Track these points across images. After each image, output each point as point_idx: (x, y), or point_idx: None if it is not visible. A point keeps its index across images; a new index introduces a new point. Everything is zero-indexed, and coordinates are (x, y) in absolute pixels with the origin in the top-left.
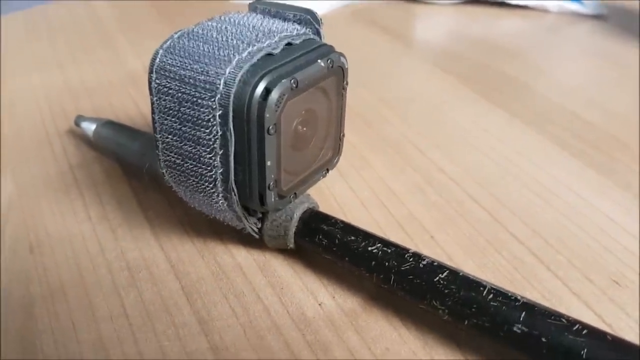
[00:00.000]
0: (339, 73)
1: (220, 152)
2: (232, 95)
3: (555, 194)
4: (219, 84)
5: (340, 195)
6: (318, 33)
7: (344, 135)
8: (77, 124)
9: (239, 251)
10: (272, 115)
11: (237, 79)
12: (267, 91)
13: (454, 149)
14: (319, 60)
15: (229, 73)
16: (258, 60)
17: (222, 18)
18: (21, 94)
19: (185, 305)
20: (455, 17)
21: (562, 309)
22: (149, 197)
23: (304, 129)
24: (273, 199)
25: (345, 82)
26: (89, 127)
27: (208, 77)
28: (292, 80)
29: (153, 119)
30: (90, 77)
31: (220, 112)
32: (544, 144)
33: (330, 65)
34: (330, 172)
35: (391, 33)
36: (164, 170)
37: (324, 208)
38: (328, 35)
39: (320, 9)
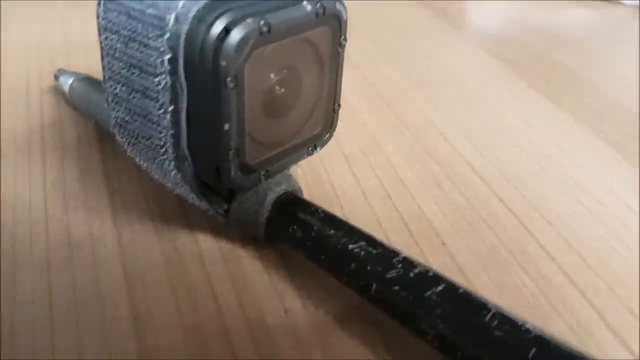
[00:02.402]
0: (334, 24)
1: (170, 109)
2: (183, 35)
3: (602, 203)
4: (169, 20)
5: (339, 181)
6: None
7: (339, 106)
8: (56, 78)
9: (205, 236)
10: (230, 63)
11: (191, 14)
12: (227, 32)
13: (486, 140)
14: (304, 2)
15: (182, 7)
16: None
17: None
18: (12, 46)
19: (123, 296)
20: (515, 1)
21: (592, 347)
22: (118, 164)
23: (282, 90)
24: (234, 173)
25: (342, 38)
26: (66, 82)
27: (157, 11)
28: (261, 22)
29: (102, 65)
30: (93, 33)
31: (169, 56)
32: (596, 144)
33: (321, 11)
34: (320, 150)
35: (440, 13)
36: (115, 130)
37: (317, 194)
38: (367, 9)
39: None
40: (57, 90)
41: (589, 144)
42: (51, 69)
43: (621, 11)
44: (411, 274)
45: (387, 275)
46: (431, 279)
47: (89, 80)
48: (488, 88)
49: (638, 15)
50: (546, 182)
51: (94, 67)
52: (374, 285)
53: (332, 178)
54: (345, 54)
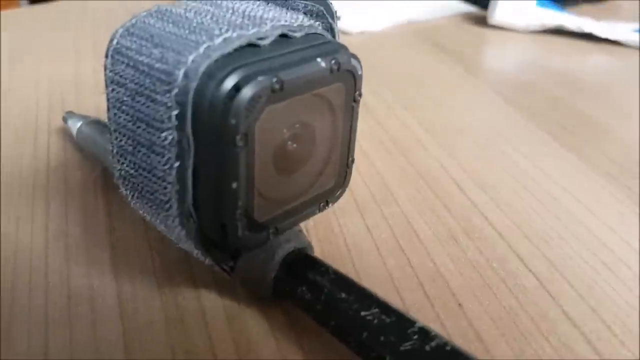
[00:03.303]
0: (349, 80)
1: (176, 165)
2: (191, 91)
3: (629, 266)
4: (178, 76)
5: (352, 233)
6: (331, 30)
7: (353, 161)
8: (65, 120)
9: (209, 293)
10: (240, 121)
11: (201, 69)
12: (237, 89)
13: (505, 193)
14: (318, 59)
15: (192, 62)
16: (235, 49)
17: (211, 1)
18: (23, 84)
19: (120, 354)
20: (532, 46)
21: None
22: (123, 214)
23: (294, 145)
24: (241, 232)
25: (357, 93)
26: (75, 125)
27: (166, 66)
28: (274, 79)
29: (108, 117)
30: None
31: (177, 111)
32: (622, 202)
33: (336, 68)
34: (332, 206)
35: (453, 56)
36: (119, 182)
37: (328, 247)
38: (381, 53)
39: (379, 24)
40: (65, 131)
41: (613, 200)
42: (61, 107)
43: None
44: (427, 347)
45: (402, 348)
46: (449, 353)
47: (97, 124)
48: (505, 137)
49: None
50: (568, 239)
51: (103, 106)
52: (387, 358)
53: (344, 229)
54: (361, 99)
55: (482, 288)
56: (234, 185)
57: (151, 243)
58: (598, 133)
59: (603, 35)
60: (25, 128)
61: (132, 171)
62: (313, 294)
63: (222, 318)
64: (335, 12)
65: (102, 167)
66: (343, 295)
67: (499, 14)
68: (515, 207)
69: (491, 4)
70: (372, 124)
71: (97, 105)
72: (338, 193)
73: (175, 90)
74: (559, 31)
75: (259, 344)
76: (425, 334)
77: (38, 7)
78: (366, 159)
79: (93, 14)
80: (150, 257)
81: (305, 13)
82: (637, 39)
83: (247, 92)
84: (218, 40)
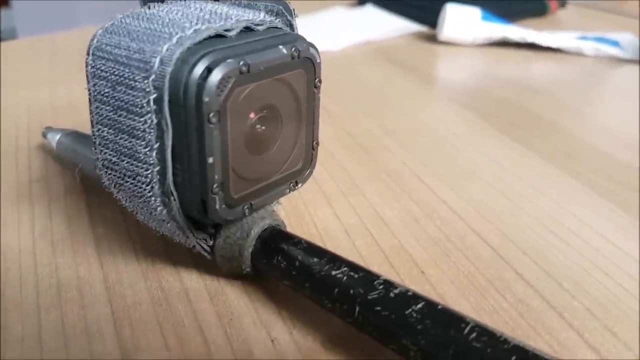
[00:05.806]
0: (309, 66)
1: (156, 146)
2: (167, 75)
3: (575, 233)
4: (154, 63)
5: (322, 221)
6: (291, 26)
7: (317, 144)
8: (44, 135)
9: (190, 275)
10: (213, 99)
11: (175, 56)
12: (209, 71)
13: (461, 181)
14: (280, 46)
15: (167, 50)
16: (205, 39)
17: (179, 2)
18: (2, 109)
19: (111, 332)
20: (481, 57)
21: None
22: (104, 214)
23: (263, 128)
24: (218, 206)
25: (317, 80)
26: (54, 138)
27: (143, 56)
28: (241, 62)
29: (90, 110)
30: (79, 95)
31: (155, 95)
32: (567, 181)
33: (296, 55)
34: (301, 186)
35: (408, 69)
36: (102, 172)
37: (300, 233)
38: (341, 69)
39: (337, 45)
40: (44, 148)
41: (560, 181)
42: (39, 128)
43: (585, 62)
44: (392, 294)
45: (369, 297)
46: (410, 297)
47: (75, 134)
48: (460, 136)
49: (602, 66)
50: (520, 216)
51: (78, 124)
52: (357, 308)
53: (315, 218)
54: (325, 108)
55: (442, 258)
56: (210, 160)
57: (132, 237)
58: (545, 127)
59: (545, 43)
60: (6, 147)
61: (114, 159)
62: (288, 262)
63: (204, 296)
64: (293, 9)
65: (81, 173)
66: (315, 259)
67: (447, 30)
68: (472, 193)
69: (439, 22)
70: (336, 129)
71: (73, 123)
72: (306, 173)
73: (153, 76)
74: (505, 42)
75: (240, 315)
76: (389, 284)
77: (10, 42)
78: (333, 159)
79: (63, 46)
80: (132, 249)
81: (266, 12)
82: (578, 45)
83: (217, 73)
84: (189, 32)
